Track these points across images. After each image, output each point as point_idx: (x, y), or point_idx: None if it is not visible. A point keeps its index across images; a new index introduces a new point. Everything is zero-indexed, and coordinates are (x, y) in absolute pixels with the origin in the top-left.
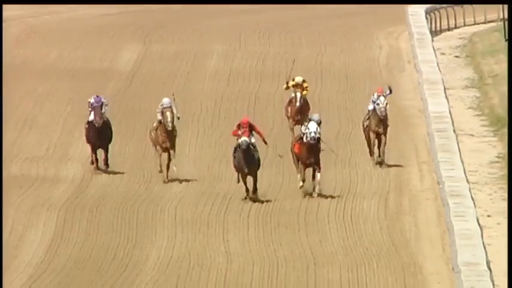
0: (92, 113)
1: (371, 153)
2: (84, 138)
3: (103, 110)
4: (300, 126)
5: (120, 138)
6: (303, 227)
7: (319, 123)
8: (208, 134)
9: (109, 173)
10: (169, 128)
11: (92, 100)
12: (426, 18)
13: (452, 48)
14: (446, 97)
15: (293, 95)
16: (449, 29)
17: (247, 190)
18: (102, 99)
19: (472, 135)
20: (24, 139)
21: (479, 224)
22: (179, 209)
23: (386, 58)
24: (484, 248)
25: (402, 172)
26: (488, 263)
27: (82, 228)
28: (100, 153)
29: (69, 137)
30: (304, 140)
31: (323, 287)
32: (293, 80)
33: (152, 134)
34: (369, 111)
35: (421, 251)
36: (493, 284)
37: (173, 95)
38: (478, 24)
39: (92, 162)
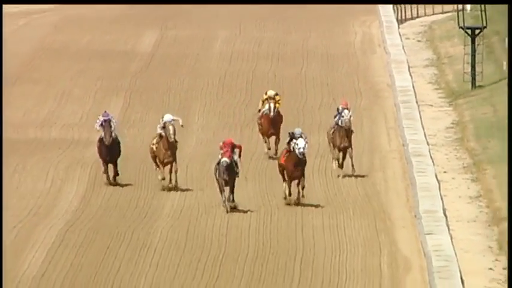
0: (103, 131)
1: (340, 166)
2: (97, 152)
3: (112, 127)
4: (273, 137)
5: (142, 107)
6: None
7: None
8: (213, 105)
9: (132, 136)
10: (171, 140)
11: (102, 118)
12: (393, 9)
13: (415, 34)
14: (410, 74)
15: (266, 106)
16: (412, 18)
17: (225, 200)
18: (110, 116)
19: (431, 105)
20: (62, 109)
21: (437, 179)
22: (189, 167)
23: (361, 42)
24: (441, 198)
25: (373, 136)
26: (444, 210)
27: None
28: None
29: (99, 107)
30: (293, 153)
31: (309, 230)
32: (265, 93)
33: (154, 148)
34: (334, 124)
35: (389, 201)
36: (448, 228)
37: (182, 126)
38: (436, 14)
39: (105, 173)
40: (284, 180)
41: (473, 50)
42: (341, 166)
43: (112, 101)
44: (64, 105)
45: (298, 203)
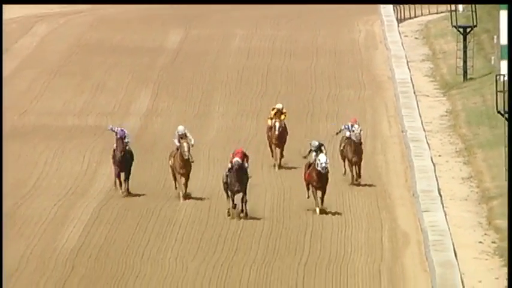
0: (115, 144)
1: (352, 175)
2: (111, 160)
3: (126, 140)
4: (279, 149)
5: (168, 98)
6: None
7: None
8: (232, 96)
9: (159, 123)
10: (186, 157)
11: (117, 130)
12: (393, 9)
13: (413, 31)
14: (408, 68)
15: (273, 122)
16: (410, 18)
17: (234, 206)
18: (126, 133)
19: (427, 95)
20: (97, 99)
21: (432, 162)
22: (211, 151)
23: (364, 39)
24: (436, 179)
25: (375, 123)
26: (439, 190)
27: (140, 165)
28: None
29: (130, 98)
30: (317, 168)
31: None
32: (273, 109)
33: (171, 160)
34: (346, 138)
35: (390, 182)
36: (443, 206)
37: (192, 145)
38: (432, 14)
39: (115, 184)
40: (308, 189)
41: (465, 47)
42: (357, 176)
43: (142, 92)
44: (99, 96)
45: (323, 211)
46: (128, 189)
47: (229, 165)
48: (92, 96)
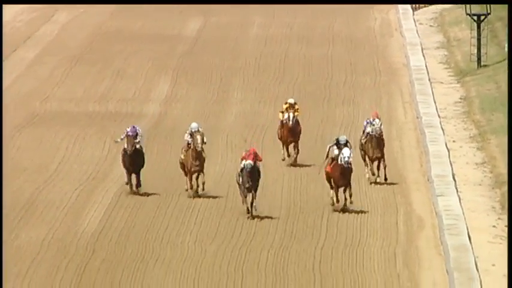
0: (125, 141)
1: (373, 174)
2: (121, 162)
3: (137, 140)
4: (292, 145)
5: (187, 84)
6: (319, 150)
7: (347, 143)
8: (250, 82)
9: (179, 109)
10: (199, 149)
11: (128, 129)
12: None
13: (427, 19)
14: (423, 55)
15: (286, 116)
16: (425, 6)
17: (248, 210)
18: (138, 130)
19: (442, 82)
20: (118, 85)
21: (447, 147)
22: (229, 136)
23: (380, 27)
24: (450, 164)
25: (391, 109)
26: (453, 175)
27: (160, 149)
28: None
29: (150, 84)
30: (339, 162)
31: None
32: (286, 103)
33: (182, 156)
34: (366, 133)
35: (405, 167)
36: (457, 190)
37: (205, 143)
38: (446, 2)
39: (127, 183)
40: (331, 187)
41: (479, 34)
42: (374, 174)
43: (161, 79)
44: (119, 83)
45: (345, 210)
46: (139, 184)
47: (241, 165)
48: (112, 83)
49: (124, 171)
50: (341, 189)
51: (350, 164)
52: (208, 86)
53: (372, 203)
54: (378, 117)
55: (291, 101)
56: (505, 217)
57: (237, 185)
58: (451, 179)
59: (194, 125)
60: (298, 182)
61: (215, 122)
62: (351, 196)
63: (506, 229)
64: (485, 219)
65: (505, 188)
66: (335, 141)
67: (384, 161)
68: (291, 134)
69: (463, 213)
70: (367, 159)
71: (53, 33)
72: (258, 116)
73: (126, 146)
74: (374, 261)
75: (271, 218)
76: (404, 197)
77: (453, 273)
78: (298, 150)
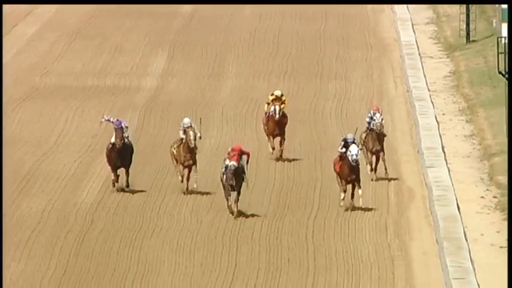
0: (114, 135)
1: (371, 169)
2: (106, 158)
3: (126, 134)
4: (278, 138)
5: (183, 59)
6: (312, 123)
7: (354, 141)
8: (245, 57)
9: (175, 83)
10: (192, 146)
11: (107, 117)
12: None
13: None
14: (413, 30)
15: (272, 108)
16: None
17: (231, 209)
18: (123, 124)
19: (432, 57)
20: (115, 60)
21: (436, 120)
22: (225, 110)
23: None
24: (440, 136)
25: (382, 83)
26: (443, 147)
27: (157, 123)
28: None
29: (147, 59)
30: (348, 160)
31: (326, 164)
32: (272, 94)
33: (174, 151)
34: (367, 127)
35: (396, 139)
36: (446, 162)
37: (200, 120)
38: None
39: (113, 183)
40: (340, 185)
41: (468, 10)
42: (374, 170)
43: (158, 54)
44: (117, 57)
45: (354, 207)
46: (127, 184)
47: (225, 165)
48: (110, 58)
49: (109, 168)
50: (349, 186)
51: (357, 162)
52: (203, 61)
53: (363, 173)
54: (379, 112)
55: (278, 93)
56: (493, 188)
57: (221, 184)
58: (441, 151)
59: (186, 121)
60: (291, 155)
61: (211, 95)
62: (353, 193)
63: (494, 200)
64: (474, 190)
65: (494, 160)
66: (343, 142)
67: (383, 154)
68: (277, 127)
69: (452, 185)
70: (368, 154)
71: (52, 9)
72: (252, 90)
73: (114, 140)
74: (365, 231)
75: (264, 190)
76: (395, 169)
77: (443, 242)
78: (284, 141)
